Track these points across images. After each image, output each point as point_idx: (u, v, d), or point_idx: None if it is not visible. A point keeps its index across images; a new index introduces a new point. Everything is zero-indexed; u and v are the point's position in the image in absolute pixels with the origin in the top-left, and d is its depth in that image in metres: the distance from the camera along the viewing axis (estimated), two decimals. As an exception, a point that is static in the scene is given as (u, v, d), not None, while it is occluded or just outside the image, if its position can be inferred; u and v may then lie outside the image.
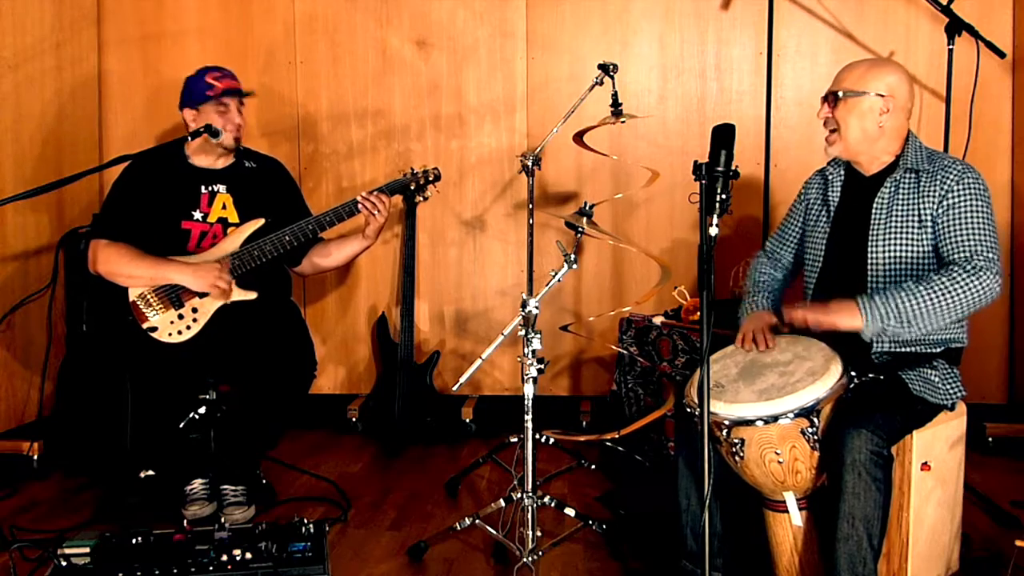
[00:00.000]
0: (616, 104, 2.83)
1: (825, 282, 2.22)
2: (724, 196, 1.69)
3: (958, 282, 1.92)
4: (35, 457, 3.06)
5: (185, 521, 2.58)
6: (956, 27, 3.03)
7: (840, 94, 2.12)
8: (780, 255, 2.44)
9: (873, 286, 2.10)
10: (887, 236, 2.10)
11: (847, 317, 1.95)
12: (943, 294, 1.92)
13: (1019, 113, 3.44)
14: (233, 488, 2.69)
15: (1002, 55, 3.13)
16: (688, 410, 2.01)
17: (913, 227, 2.07)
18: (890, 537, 2.04)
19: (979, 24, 3.08)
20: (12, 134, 3.27)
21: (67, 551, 2.09)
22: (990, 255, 1.97)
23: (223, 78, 2.75)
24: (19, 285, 3.28)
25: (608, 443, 3.17)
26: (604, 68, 2.84)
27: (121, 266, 2.64)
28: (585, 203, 2.45)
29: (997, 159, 3.47)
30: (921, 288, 1.93)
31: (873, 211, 2.13)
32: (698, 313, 1.81)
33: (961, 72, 3.13)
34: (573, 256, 2.25)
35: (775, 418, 1.87)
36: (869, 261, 2.11)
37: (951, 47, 3.04)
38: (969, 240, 1.99)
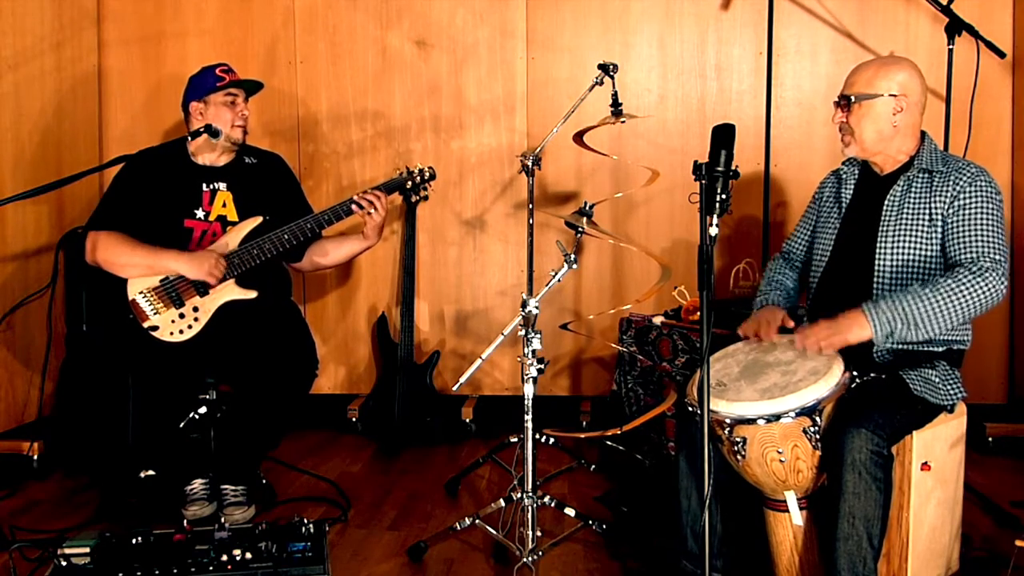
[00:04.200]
0: (616, 104, 2.83)
1: (830, 278, 2.21)
2: (724, 196, 1.69)
3: (964, 284, 1.92)
4: (35, 457, 3.05)
5: (185, 521, 2.58)
6: (956, 27, 3.03)
7: (852, 99, 2.12)
8: (795, 256, 2.43)
9: (879, 284, 2.09)
10: (896, 234, 2.09)
11: (856, 330, 1.94)
12: (949, 296, 1.91)
13: (1019, 113, 3.44)
14: (233, 488, 2.69)
15: (1002, 55, 3.13)
16: (690, 409, 2.01)
17: (923, 226, 2.06)
18: (890, 537, 2.04)
19: (979, 24, 3.08)
20: (12, 134, 3.27)
21: (67, 551, 2.10)
22: (997, 256, 1.97)
23: (230, 72, 2.79)
24: (19, 285, 3.27)
25: (608, 443, 3.17)
26: (604, 68, 2.84)
27: (118, 254, 2.64)
28: (585, 203, 2.46)
29: (997, 159, 3.47)
30: (927, 291, 1.93)
31: (884, 208, 2.12)
32: (698, 313, 1.81)
33: (961, 72, 3.13)
34: (573, 256, 2.25)
35: (777, 417, 1.87)
36: (876, 258, 2.10)
37: (951, 47, 3.04)
38: (976, 241, 1.99)
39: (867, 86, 2.11)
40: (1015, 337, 3.50)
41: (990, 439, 3.25)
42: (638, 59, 3.63)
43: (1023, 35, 3.39)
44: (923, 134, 2.17)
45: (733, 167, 1.71)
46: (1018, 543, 1.98)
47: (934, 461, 2.08)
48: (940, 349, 2.07)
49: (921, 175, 2.11)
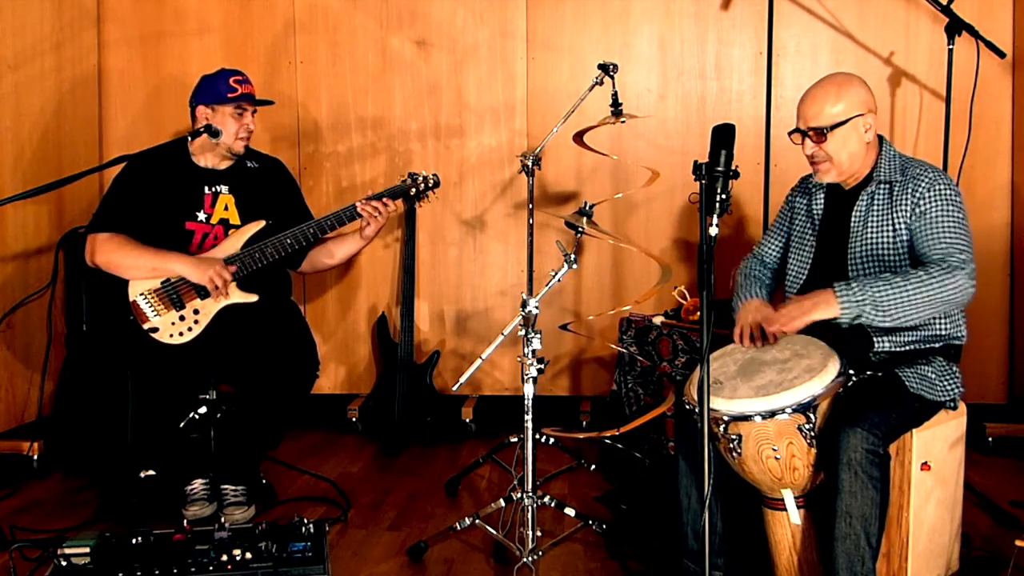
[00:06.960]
0: (616, 104, 2.83)
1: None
2: (724, 196, 1.69)
3: (935, 277, 1.93)
4: (35, 457, 3.06)
5: (185, 521, 2.58)
6: (956, 27, 3.03)
7: (826, 130, 2.10)
8: (768, 260, 2.43)
9: None
10: (863, 249, 2.11)
11: (823, 308, 1.94)
12: (919, 287, 1.91)
13: (1019, 113, 3.44)
14: (233, 488, 2.69)
15: (1002, 55, 3.13)
16: (688, 407, 2.01)
17: (888, 238, 2.08)
18: (890, 537, 2.04)
19: (979, 24, 3.08)
20: (12, 134, 3.27)
21: (67, 551, 2.10)
22: (963, 255, 1.98)
23: (245, 83, 2.77)
24: (19, 285, 3.27)
25: (608, 442, 3.17)
26: (604, 68, 2.84)
27: (122, 256, 2.63)
28: (585, 203, 2.46)
29: (997, 159, 3.47)
30: (898, 279, 1.93)
31: (851, 225, 2.15)
32: (698, 313, 1.81)
33: (961, 72, 3.13)
34: (573, 256, 2.25)
35: (772, 413, 1.87)
36: (850, 274, 2.12)
37: (951, 47, 3.04)
38: (943, 243, 2.01)
39: (838, 115, 2.10)
40: (1015, 337, 3.50)
41: (990, 439, 3.25)
42: (638, 59, 3.63)
43: (1023, 35, 3.39)
44: (881, 141, 2.18)
45: (733, 167, 1.71)
46: (1018, 543, 1.98)
47: (934, 461, 2.08)
48: (937, 345, 2.07)
49: (882, 187, 2.13)
